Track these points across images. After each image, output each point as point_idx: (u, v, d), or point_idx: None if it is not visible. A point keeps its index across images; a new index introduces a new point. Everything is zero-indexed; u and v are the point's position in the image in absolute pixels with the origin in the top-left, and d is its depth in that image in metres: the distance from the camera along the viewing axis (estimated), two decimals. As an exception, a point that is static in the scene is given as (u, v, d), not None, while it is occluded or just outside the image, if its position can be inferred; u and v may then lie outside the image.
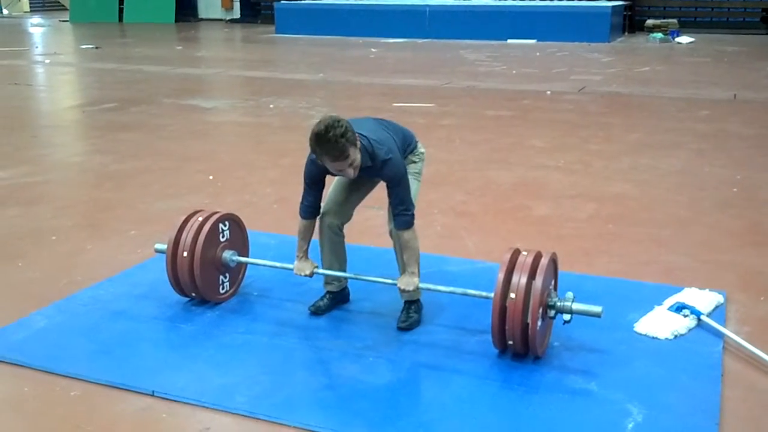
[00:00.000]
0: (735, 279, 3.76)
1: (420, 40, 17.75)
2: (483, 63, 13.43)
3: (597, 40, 16.44)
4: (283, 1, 20.74)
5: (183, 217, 3.38)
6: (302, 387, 2.75)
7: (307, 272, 3.21)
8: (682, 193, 5.33)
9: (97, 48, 15.97)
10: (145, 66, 12.98)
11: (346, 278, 3.36)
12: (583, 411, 2.58)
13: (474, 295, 3.01)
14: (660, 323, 3.16)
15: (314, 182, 3.11)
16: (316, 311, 3.34)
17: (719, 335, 3.10)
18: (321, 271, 3.26)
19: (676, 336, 3.10)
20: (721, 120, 8.04)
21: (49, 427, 2.53)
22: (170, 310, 3.38)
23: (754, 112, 8.61)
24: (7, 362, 2.92)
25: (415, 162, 3.30)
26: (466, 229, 4.57)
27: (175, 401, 2.65)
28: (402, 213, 3.02)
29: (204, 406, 2.62)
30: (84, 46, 16.50)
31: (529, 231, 4.54)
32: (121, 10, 24.81)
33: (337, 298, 3.42)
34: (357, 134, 2.88)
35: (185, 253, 3.25)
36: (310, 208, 3.16)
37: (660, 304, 3.35)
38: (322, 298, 3.39)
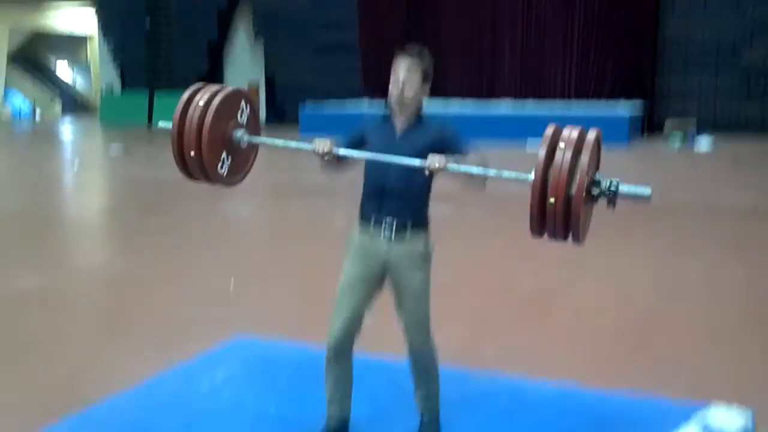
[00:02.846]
0: (765, 395, 3.66)
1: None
2: (501, 165, 13.58)
3: (616, 143, 16.62)
4: (308, 106, 21.29)
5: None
6: None
7: (326, 148, 2.92)
8: (706, 303, 5.27)
9: (125, 152, 16.40)
10: (173, 170, 13.23)
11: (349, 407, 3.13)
12: None
13: (513, 179, 2.78)
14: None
15: (354, 141, 3.04)
16: None
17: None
18: (342, 151, 2.95)
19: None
20: (744, 226, 8.01)
21: None
22: (191, 428, 3.33)
23: (776, 216, 8.59)
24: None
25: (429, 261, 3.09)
26: (488, 338, 4.52)
27: None
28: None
29: None
30: (113, 150, 16.95)
31: (552, 342, 4.48)
32: (150, 113, 25.56)
33: None
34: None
35: (201, 102, 2.98)
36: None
37: (685, 422, 3.26)
38: None
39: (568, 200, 2.51)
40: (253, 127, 3.20)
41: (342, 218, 8.32)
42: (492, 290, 5.60)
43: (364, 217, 3.01)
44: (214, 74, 25.45)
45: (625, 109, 17.82)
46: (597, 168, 2.71)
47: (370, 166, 3.00)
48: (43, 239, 7.62)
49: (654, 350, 4.31)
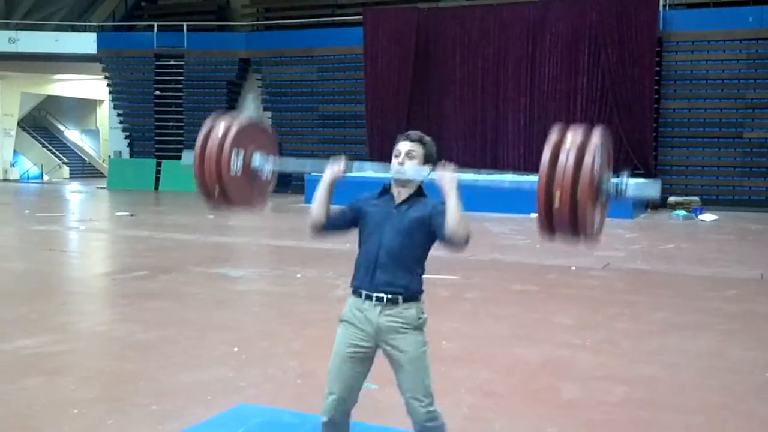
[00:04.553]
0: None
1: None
2: (507, 236, 13.63)
3: (619, 216, 16.69)
4: (313, 174, 21.48)
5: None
6: None
7: (342, 166, 3.07)
8: (713, 377, 5.20)
9: (131, 215, 16.50)
10: (177, 234, 13.32)
11: None
12: None
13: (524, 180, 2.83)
14: None
15: (346, 210, 3.11)
16: None
17: None
18: (356, 165, 3.10)
19: None
20: (750, 300, 7.98)
21: None
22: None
23: (782, 292, 8.56)
24: None
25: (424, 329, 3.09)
26: (493, 410, 4.46)
27: None
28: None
29: None
30: (119, 213, 17.06)
31: (558, 415, 4.42)
32: (157, 179, 25.78)
33: None
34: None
35: (219, 133, 3.16)
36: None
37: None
38: None
39: (574, 200, 2.51)
40: (270, 150, 3.34)
41: (344, 287, 8.31)
42: (498, 361, 5.54)
43: (357, 288, 3.05)
44: (222, 142, 25.74)
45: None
46: (609, 168, 2.71)
47: (366, 237, 3.06)
48: (44, 300, 7.59)
49: (662, 426, 4.24)
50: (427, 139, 3.06)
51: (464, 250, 3.01)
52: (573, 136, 2.62)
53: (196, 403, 4.47)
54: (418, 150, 3.00)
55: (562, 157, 2.55)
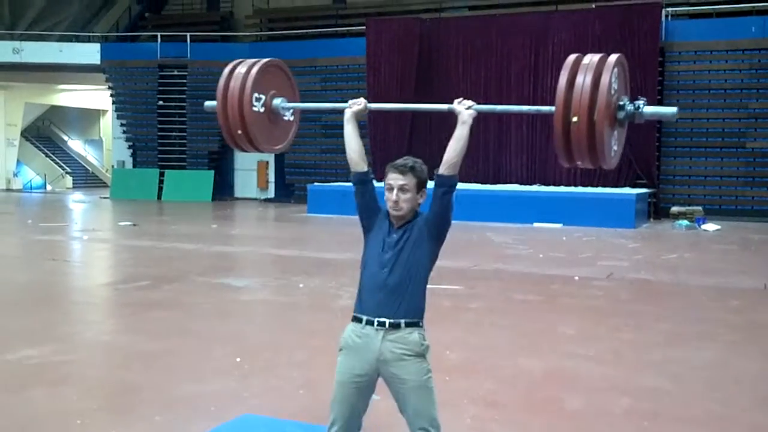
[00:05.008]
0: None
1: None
2: (510, 246, 13.62)
3: (622, 226, 16.69)
4: (315, 184, 21.53)
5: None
6: None
7: (361, 104, 3.28)
8: (717, 388, 5.19)
9: (134, 225, 16.51)
10: (180, 243, 13.33)
11: None
12: None
13: (534, 111, 3.02)
14: None
15: (374, 198, 3.17)
16: None
17: None
18: (374, 106, 3.29)
19: None
20: (753, 310, 7.97)
21: None
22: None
23: (786, 302, 8.54)
24: None
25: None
26: (497, 421, 4.45)
27: None
28: None
29: None
30: (122, 223, 17.08)
31: (562, 426, 4.41)
32: (160, 189, 25.81)
33: None
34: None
35: (242, 71, 3.31)
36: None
37: None
38: None
39: (591, 121, 2.53)
40: (291, 94, 3.53)
41: (347, 297, 8.31)
42: (501, 371, 5.53)
43: (358, 313, 3.03)
44: (225, 153, 25.83)
45: (630, 193, 17.94)
46: (626, 92, 2.74)
47: (368, 260, 3.08)
48: (47, 310, 7.59)
49: (667, 436, 4.23)
50: (417, 164, 3.05)
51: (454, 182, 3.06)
52: (590, 59, 2.66)
53: (200, 414, 4.46)
54: (410, 181, 3.01)
55: (579, 79, 2.59)
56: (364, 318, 2.98)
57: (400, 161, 3.05)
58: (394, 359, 2.93)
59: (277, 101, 3.43)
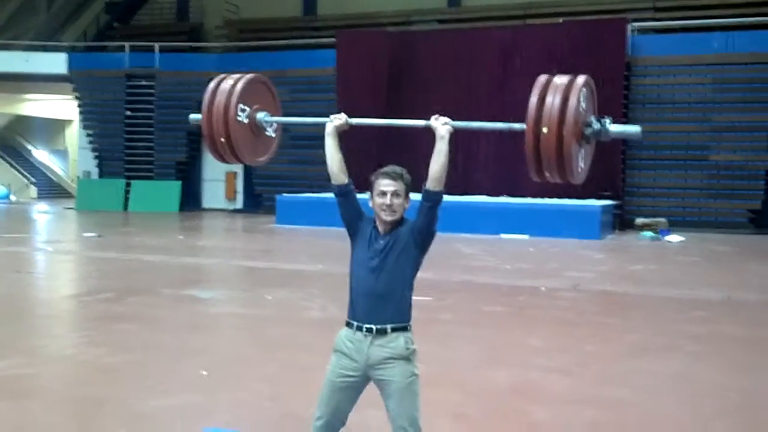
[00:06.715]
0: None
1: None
2: (478, 257, 13.68)
3: (588, 237, 16.86)
4: (284, 195, 21.46)
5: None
6: None
7: (342, 119, 3.36)
8: (682, 400, 5.26)
9: (99, 236, 16.31)
10: (146, 255, 13.19)
11: None
12: None
13: (506, 129, 3.03)
14: None
15: (358, 206, 3.25)
16: None
17: None
18: (355, 121, 3.36)
19: None
20: (716, 321, 8.09)
21: None
22: None
23: (748, 313, 8.69)
24: None
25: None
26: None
27: None
28: None
29: None
30: (87, 234, 16.86)
31: (528, 437, 4.44)
32: (127, 199, 25.54)
33: None
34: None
35: (226, 87, 3.40)
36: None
37: None
38: None
39: (560, 135, 2.68)
40: (274, 111, 3.64)
41: (316, 308, 8.29)
42: (470, 384, 5.55)
43: (350, 319, 3.18)
44: (193, 163, 25.66)
45: (596, 205, 18.14)
46: (593, 112, 2.89)
47: (356, 269, 3.20)
48: (10, 323, 7.47)
49: (632, 447, 4.28)
50: (404, 172, 3.20)
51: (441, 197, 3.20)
52: (559, 80, 2.79)
53: (166, 429, 4.42)
54: (400, 187, 3.15)
55: (548, 99, 2.72)
56: (355, 324, 3.14)
57: (389, 168, 3.19)
58: (381, 362, 3.09)
59: (261, 115, 3.54)
